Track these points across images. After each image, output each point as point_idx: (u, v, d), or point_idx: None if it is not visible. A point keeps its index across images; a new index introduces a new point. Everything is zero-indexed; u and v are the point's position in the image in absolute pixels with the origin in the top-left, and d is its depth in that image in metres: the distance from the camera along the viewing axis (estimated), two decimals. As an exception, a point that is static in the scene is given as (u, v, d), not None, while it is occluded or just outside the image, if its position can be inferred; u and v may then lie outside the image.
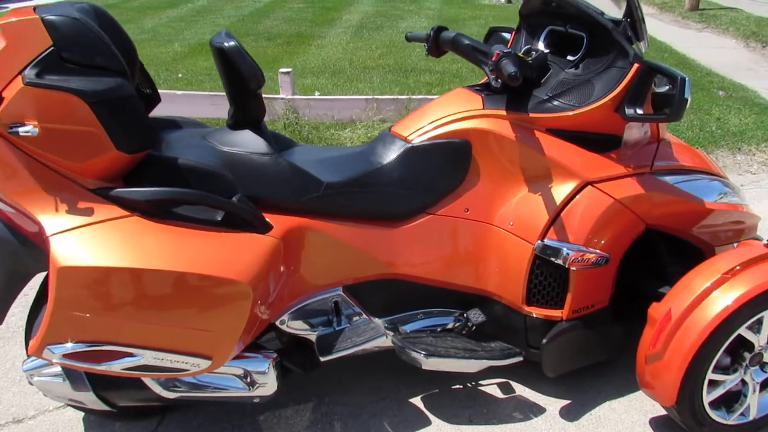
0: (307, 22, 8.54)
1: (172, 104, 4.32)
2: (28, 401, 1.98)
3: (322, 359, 1.72)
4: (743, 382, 1.72)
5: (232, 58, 1.55)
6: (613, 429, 1.85)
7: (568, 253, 1.71)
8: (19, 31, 1.32)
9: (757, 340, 1.66)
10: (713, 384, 1.69)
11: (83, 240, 1.35)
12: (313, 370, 1.78)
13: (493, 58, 1.64)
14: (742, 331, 1.61)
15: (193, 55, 6.67)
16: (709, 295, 1.58)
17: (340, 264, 1.74)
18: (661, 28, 8.22)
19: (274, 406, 1.96)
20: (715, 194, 1.89)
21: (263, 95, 1.68)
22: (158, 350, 1.44)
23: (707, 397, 1.67)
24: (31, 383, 1.59)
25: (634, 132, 1.79)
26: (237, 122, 1.69)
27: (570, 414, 1.91)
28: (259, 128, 1.70)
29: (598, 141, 1.80)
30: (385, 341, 1.79)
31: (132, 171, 1.50)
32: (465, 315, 1.90)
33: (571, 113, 1.75)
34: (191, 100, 4.32)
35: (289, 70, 4.29)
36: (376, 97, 4.18)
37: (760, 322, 1.63)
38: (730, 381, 1.69)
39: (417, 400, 1.97)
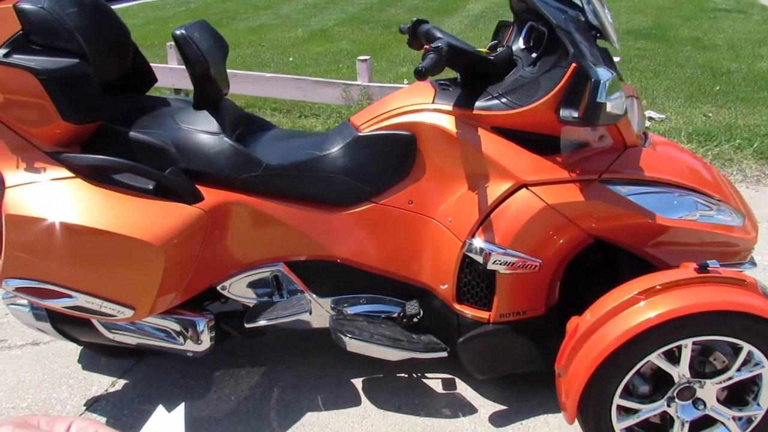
0: (430, 10, 8.60)
1: (261, 86, 4.69)
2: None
3: (246, 326, 1.86)
4: (670, 416, 1.58)
5: (180, 45, 1.73)
6: (540, 442, 1.79)
7: (490, 255, 1.68)
8: (-5, 18, 1.61)
9: (677, 372, 1.51)
10: (627, 411, 1.57)
11: (31, 194, 1.62)
12: (251, 336, 1.93)
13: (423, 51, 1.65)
14: (656, 359, 1.48)
15: (311, 41, 7.07)
16: (616, 315, 1.48)
17: (278, 241, 1.86)
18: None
19: (231, 365, 2.15)
20: (682, 211, 1.72)
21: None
22: (90, 295, 1.67)
23: (618, 424, 1.56)
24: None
25: (574, 135, 1.69)
26: (197, 103, 1.87)
27: (500, 420, 1.87)
28: (216, 109, 1.87)
29: (543, 143, 1.72)
30: (309, 317, 1.89)
31: (88, 139, 1.74)
32: (404, 305, 1.93)
33: (512, 112, 1.70)
34: (278, 83, 4.63)
35: (367, 57, 4.43)
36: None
37: (679, 351, 1.48)
38: (647, 411, 1.56)
39: (358, 382, 2.05)
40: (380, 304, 1.96)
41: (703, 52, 5.79)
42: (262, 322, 1.85)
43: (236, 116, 2.00)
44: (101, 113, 1.72)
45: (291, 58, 6.33)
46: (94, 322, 1.82)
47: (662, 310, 1.42)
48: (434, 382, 2.04)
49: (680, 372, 1.51)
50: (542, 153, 1.72)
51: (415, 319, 1.92)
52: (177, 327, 1.83)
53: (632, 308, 1.46)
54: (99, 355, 2.21)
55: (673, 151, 1.93)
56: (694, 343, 1.51)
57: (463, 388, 2.00)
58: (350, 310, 1.95)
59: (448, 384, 2.02)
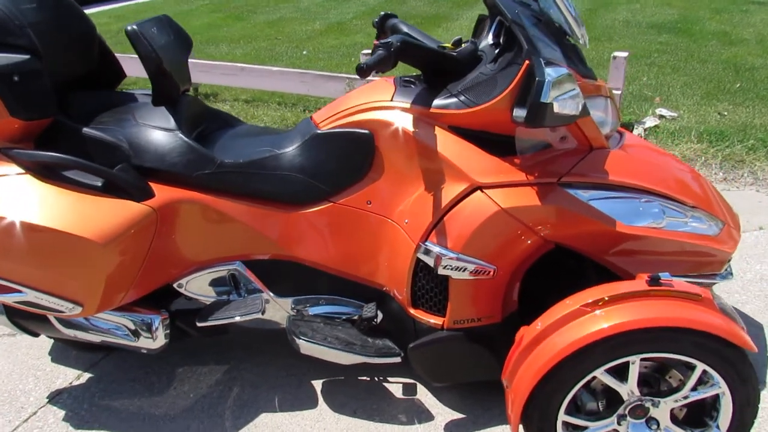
0: (450, 3, 8.48)
1: (267, 79, 4.69)
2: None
3: (198, 324, 1.84)
4: (621, 434, 1.50)
5: (131, 41, 1.71)
6: (493, 454, 1.73)
7: (442, 259, 1.62)
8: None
9: (627, 390, 1.43)
10: (575, 427, 1.49)
11: (-19, 189, 1.62)
12: (208, 335, 1.92)
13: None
14: (602, 375, 1.41)
15: (327, 34, 7.04)
16: (561, 327, 1.40)
17: (234, 240, 1.83)
18: None
19: (195, 362, 2.14)
20: (646, 219, 1.62)
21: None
22: (38, 291, 1.67)
23: (566, 441, 1.49)
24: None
25: (530, 135, 1.61)
26: (155, 99, 1.85)
27: (456, 428, 1.81)
28: (174, 105, 1.84)
29: (502, 143, 1.65)
30: (262, 318, 1.86)
31: (42, 135, 1.74)
32: (362, 308, 1.89)
33: (468, 111, 1.63)
34: (283, 76, 4.61)
35: (369, 52, 4.37)
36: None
37: (626, 368, 1.40)
38: (595, 428, 1.48)
39: (318, 383, 2.01)
40: (340, 305, 1.92)
41: (729, 47, 5.55)
42: (213, 322, 1.83)
43: (199, 112, 1.97)
44: (52, 109, 1.71)
45: (305, 52, 6.31)
46: (49, 317, 1.82)
47: (606, 324, 1.34)
48: (395, 386, 1.99)
49: (629, 389, 1.43)
50: (500, 154, 1.65)
51: (374, 322, 1.87)
52: (131, 324, 1.82)
53: (577, 321, 1.39)
54: (70, 349, 2.22)
55: (647, 154, 1.83)
56: (646, 360, 1.43)
57: (423, 394, 1.94)
58: (310, 311, 1.91)
59: (409, 389, 1.97)
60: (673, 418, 1.52)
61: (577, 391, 1.48)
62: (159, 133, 1.78)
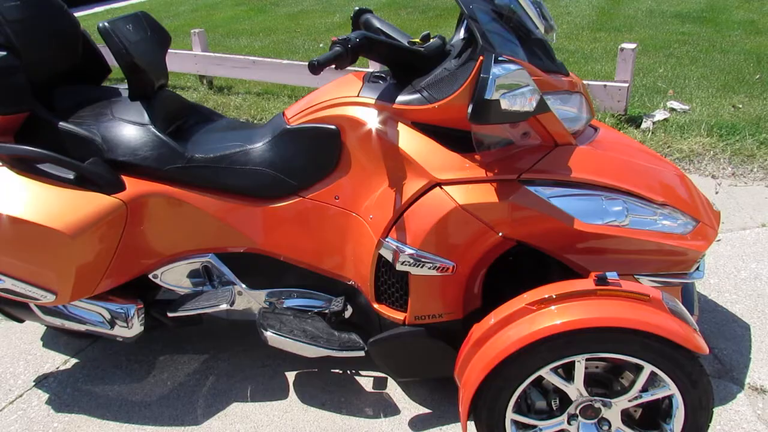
0: (472, -7, 8.36)
1: (278, 72, 4.73)
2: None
3: (169, 314, 1.89)
4: (572, 434, 1.49)
5: (103, 38, 1.75)
6: (455, 450, 1.74)
7: (400, 255, 1.62)
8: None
9: (575, 390, 1.41)
10: (526, 426, 1.49)
11: (-41, 181, 1.70)
12: (182, 325, 1.96)
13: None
14: (547, 374, 1.39)
15: (344, 27, 7.04)
16: (507, 324, 1.39)
17: (205, 233, 1.87)
18: None
19: (177, 351, 2.19)
20: (608, 216, 1.59)
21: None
22: (15, 279, 1.74)
23: (516, 439, 1.49)
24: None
25: (487, 131, 1.60)
26: (131, 94, 1.89)
27: (420, 423, 1.82)
28: (150, 100, 1.89)
29: (463, 139, 1.64)
30: (232, 309, 1.89)
31: (20, 129, 1.80)
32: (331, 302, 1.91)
33: (429, 107, 1.63)
34: (293, 69, 4.65)
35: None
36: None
37: (572, 368, 1.39)
38: (545, 427, 1.47)
39: (291, 375, 2.05)
40: (311, 299, 1.95)
41: (754, 37, 5.35)
42: (183, 312, 1.87)
43: (176, 107, 2.01)
44: (27, 104, 1.77)
45: (321, 45, 6.33)
46: (30, 304, 1.90)
47: (549, 323, 1.33)
48: (366, 380, 2.00)
49: (576, 389, 1.41)
50: (462, 150, 1.64)
51: (343, 316, 1.89)
52: (107, 313, 1.88)
53: (522, 319, 1.38)
54: (60, 335, 2.30)
55: (619, 150, 1.79)
56: (593, 360, 1.41)
57: (393, 389, 1.95)
58: (282, 304, 1.94)
59: (380, 383, 1.98)
60: (629, 419, 1.50)
61: (527, 390, 1.48)
62: (132, 127, 1.82)
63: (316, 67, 1.49)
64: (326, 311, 1.91)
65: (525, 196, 1.59)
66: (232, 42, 6.70)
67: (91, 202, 1.71)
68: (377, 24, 1.93)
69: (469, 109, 1.47)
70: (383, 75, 1.84)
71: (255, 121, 4.40)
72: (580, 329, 1.33)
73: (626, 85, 3.67)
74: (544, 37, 1.72)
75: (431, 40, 1.80)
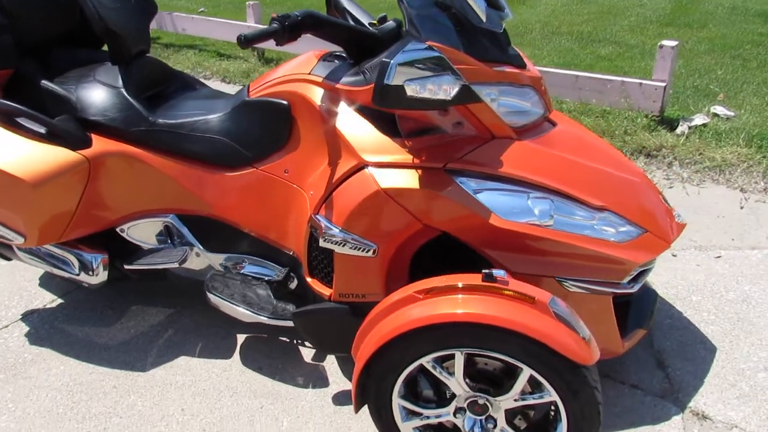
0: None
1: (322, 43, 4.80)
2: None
3: (125, 267, 2.02)
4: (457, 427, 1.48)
5: (80, 5, 1.88)
6: (370, 424, 1.77)
7: (325, 232, 1.66)
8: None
9: (457, 384, 1.41)
10: (415, 413, 1.50)
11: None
12: (145, 280, 2.10)
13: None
14: (427, 363, 1.40)
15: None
16: (395, 310, 1.41)
17: (165, 194, 1.98)
18: None
19: (148, 303, 2.34)
20: (529, 215, 1.55)
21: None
22: (-4, 221, 1.93)
23: (404, 424, 1.50)
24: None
25: (411, 116, 1.59)
26: (111, 58, 2.02)
27: (343, 398, 1.87)
28: (128, 65, 2.01)
29: (396, 123, 1.65)
30: (181, 268, 2.00)
31: (8, 85, 1.97)
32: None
33: (365, 88, 1.64)
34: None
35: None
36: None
37: (451, 360, 1.38)
38: (432, 417, 1.48)
39: (241, 338, 2.14)
40: (263, 267, 2.02)
41: (841, 43, 4.87)
42: (136, 266, 2.00)
43: (158, 74, 2.12)
44: (11, 62, 1.94)
45: (201, 9, 6.33)
46: (12, 245, 2.09)
47: (426, 313, 1.33)
48: (309, 351, 2.07)
49: (457, 382, 1.41)
50: (395, 135, 1.65)
51: (288, 287, 1.95)
52: (75, 260, 2.04)
53: (407, 307, 1.39)
54: (55, 277, 2.52)
55: (570, 148, 1.72)
56: (473, 356, 1.40)
57: (329, 363, 2.01)
58: (236, 269, 2.03)
59: (319, 356, 2.04)
60: (524, 421, 1.48)
61: (418, 377, 1.49)
62: (105, 89, 1.95)
63: (243, 42, 1.54)
64: (274, 279, 1.98)
65: (447, 185, 1.57)
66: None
67: (55, 156, 1.86)
68: (344, 4, 1.95)
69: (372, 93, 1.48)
70: (342, 55, 1.86)
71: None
72: (456, 323, 1.32)
73: (663, 84, 3.47)
74: (496, 26, 1.68)
75: (387, 23, 1.80)
